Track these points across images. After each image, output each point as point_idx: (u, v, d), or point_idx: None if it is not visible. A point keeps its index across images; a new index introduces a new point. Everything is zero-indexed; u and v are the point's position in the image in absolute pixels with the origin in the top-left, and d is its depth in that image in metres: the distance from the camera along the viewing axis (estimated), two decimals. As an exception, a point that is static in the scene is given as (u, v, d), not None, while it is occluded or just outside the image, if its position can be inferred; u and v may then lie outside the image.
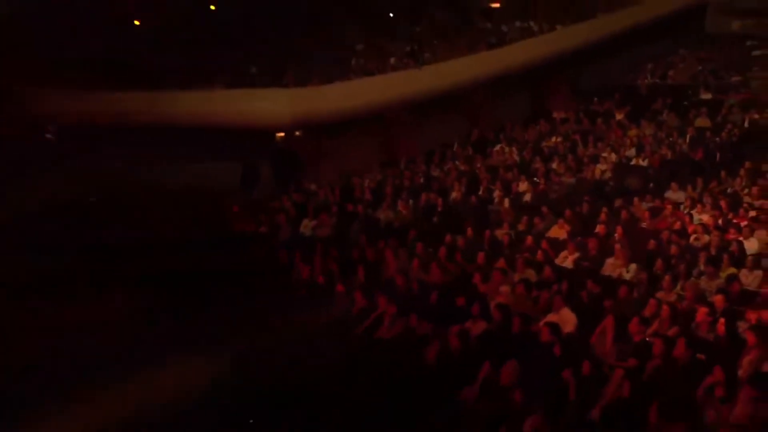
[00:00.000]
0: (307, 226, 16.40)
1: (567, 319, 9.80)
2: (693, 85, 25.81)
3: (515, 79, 24.44)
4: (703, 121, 22.12)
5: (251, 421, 8.03)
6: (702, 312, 9.53)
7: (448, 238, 13.83)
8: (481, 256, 12.52)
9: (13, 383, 8.24)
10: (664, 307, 9.71)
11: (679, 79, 26.64)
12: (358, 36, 25.66)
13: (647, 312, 9.80)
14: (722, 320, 9.15)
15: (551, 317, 9.86)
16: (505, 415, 7.40)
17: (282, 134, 23.11)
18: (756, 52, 27.34)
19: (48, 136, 20.62)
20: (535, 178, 18.57)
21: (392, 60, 24.03)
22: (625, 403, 7.47)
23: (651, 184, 17.81)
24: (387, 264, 12.68)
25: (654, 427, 6.89)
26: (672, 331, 9.12)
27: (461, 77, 23.21)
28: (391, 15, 28.56)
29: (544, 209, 15.51)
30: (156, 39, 21.76)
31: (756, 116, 22.03)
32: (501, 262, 12.09)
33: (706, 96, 24.90)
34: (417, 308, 10.25)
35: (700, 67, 27.38)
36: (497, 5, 28.74)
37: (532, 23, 26.41)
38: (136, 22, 23.90)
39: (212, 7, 28.34)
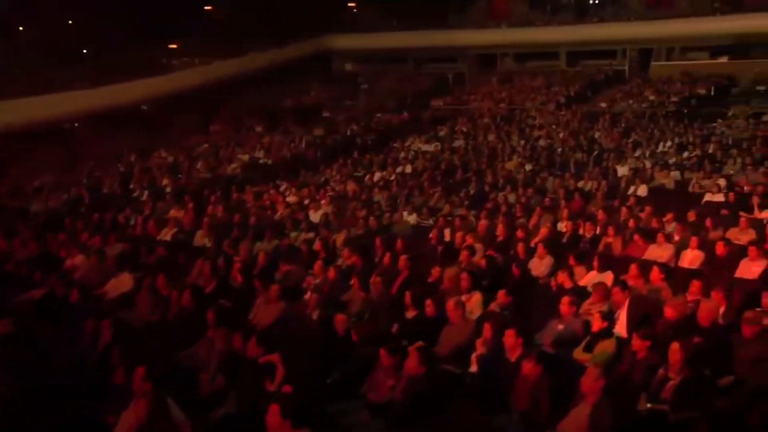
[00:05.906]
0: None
1: (124, 280, 8.39)
2: (319, 107, 25.68)
3: (183, 101, 22.53)
4: (319, 131, 21.90)
5: None
6: (237, 260, 8.62)
7: (67, 221, 11.86)
8: (84, 236, 10.68)
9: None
10: (206, 265, 8.58)
11: (309, 103, 26.34)
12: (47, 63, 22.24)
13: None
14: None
15: (113, 282, 8.40)
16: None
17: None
18: (363, 86, 28.35)
19: None
20: (179, 174, 17.01)
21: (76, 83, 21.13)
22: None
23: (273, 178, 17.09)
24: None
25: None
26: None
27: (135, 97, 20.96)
28: (84, 51, 25.57)
29: (168, 196, 14.11)
30: None
31: (355, 127, 22.34)
32: (96, 239, 10.34)
33: (327, 114, 24.87)
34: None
35: (326, 95, 27.37)
36: (175, 46, 26.77)
37: (196, 59, 24.70)
38: None
39: None
